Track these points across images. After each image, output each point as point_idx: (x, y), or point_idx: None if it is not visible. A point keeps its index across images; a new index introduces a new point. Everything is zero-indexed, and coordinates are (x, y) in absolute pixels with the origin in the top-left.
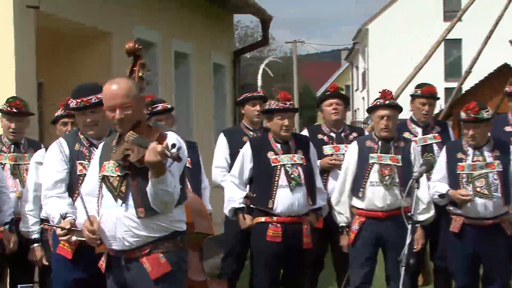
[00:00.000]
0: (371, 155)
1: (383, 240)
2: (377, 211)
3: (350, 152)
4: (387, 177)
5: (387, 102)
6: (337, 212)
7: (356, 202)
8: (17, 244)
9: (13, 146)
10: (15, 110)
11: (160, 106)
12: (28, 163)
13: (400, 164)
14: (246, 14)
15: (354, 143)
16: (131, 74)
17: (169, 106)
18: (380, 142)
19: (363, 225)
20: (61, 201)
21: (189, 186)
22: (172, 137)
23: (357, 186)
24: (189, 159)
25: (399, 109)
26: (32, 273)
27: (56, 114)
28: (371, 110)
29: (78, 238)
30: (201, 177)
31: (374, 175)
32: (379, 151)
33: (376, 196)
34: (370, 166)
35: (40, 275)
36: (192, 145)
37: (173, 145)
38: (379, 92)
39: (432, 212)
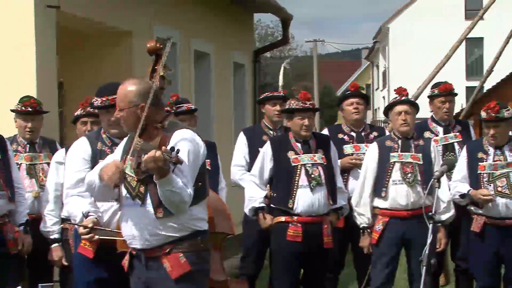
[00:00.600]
0: (392, 154)
1: (407, 239)
2: (401, 210)
3: (370, 153)
4: (409, 175)
5: (403, 98)
6: (358, 213)
7: (379, 203)
8: (31, 245)
9: (28, 145)
10: (30, 109)
11: (184, 107)
12: (44, 163)
13: (421, 162)
14: (267, 14)
15: (374, 144)
16: (153, 73)
17: (193, 107)
18: (400, 141)
19: (387, 225)
20: (83, 200)
21: None
22: (178, 137)
23: (380, 186)
24: (208, 160)
25: (416, 106)
26: (51, 272)
27: (75, 114)
28: (388, 109)
29: (101, 237)
30: (218, 178)
31: (396, 174)
32: (399, 149)
33: (399, 194)
34: (391, 165)
35: (60, 274)
36: (211, 145)
37: (172, 149)
38: (394, 90)
39: (452, 212)
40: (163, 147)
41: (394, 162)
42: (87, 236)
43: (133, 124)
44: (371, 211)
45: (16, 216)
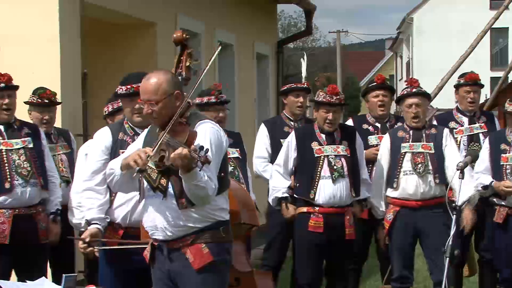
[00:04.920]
0: (403, 144)
1: (419, 229)
2: (411, 200)
3: (383, 145)
4: (419, 165)
5: (414, 90)
6: (373, 206)
7: (390, 192)
8: (59, 235)
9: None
10: (47, 101)
11: (213, 98)
12: (61, 153)
13: (433, 152)
14: (290, 4)
15: (386, 135)
16: (178, 64)
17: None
18: (411, 131)
19: (397, 214)
20: (95, 198)
21: (241, 177)
22: (202, 134)
23: (391, 177)
24: (238, 149)
25: (427, 96)
26: (73, 263)
27: (116, 106)
28: (399, 100)
29: (103, 248)
30: (246, 167)
31: (407, 164)
32: (410, 140)
33: (410, 184)
34: (402, 156)
35: (88, 266)
36: (236, 135)
37: (201, 148)
38: (405, 81)
39: (473, 192)
40: (192, 146)
41: (405, 152)
42: (87, 250)
43: (168, 115)
44: (385, 201)
45: (48, 205)
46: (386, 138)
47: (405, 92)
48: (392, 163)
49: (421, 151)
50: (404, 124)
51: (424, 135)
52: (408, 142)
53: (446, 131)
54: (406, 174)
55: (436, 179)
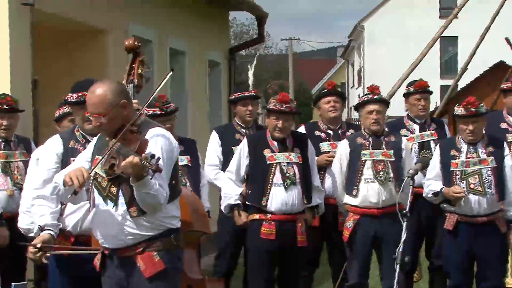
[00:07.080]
0: (363, 152)
1: (378, 237)
2: (372, 208)
3: (342, 150)
4: (381, 173)
5: (376, 97)
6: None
7: (350, 200)
8: (8, 239)
9: (3, 143)
10: (6, 107)
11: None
12: (19, 160)
13: (393, 159)
14: (242, 11)
15: (345, 141)
16: (130, 71)
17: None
18: (371, 138)
19: (358, 222)
20: (46, 206)
21: (188, 184)
22: (154, 142)
23: (351, 184)
24: (188, 156)
25: (387, 104)
26: (23, 271)
27: (62, 112)
28: (359, 106)
29: (54, 252)
30: (199, 175)
31: (368, 172)
32: (370, 147)
33: (371, 192)
34: (363, 163)
35: (36, 273)
36: (190, 142)
37: (153, 156)
38: (367, 87)
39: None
40: (143, 154)
41: (365, 160)
42: (37, 255)
43: (117, 125)
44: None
45: None
46: (345, 144)
47: (366, 98)
48: (352, 170)
49: (381, 158)
50: (363, 131)
51: (383, 142)
52: (368, 149)
53: (404, 140)
54: (367, 182)
55: (397, 187)
